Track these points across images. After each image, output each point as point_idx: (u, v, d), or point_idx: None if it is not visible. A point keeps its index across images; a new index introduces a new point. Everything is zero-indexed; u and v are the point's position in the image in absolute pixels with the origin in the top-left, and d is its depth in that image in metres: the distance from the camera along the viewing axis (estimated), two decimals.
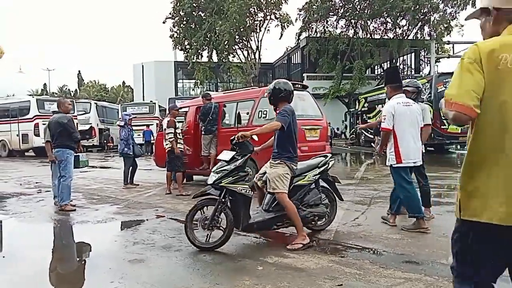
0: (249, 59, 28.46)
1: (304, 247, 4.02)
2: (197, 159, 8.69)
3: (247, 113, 8.09)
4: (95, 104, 23.51)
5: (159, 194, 7.87)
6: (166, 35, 32.06)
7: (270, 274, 3.40)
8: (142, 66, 40.42)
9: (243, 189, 4.04)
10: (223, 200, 4.02)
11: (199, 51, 27.68)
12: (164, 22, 27.97)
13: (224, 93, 10.21)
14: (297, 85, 8.44)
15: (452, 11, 25.26)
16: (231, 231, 4.02)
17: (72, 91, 70.87)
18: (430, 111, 15.39)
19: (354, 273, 3.37)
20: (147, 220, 5.64)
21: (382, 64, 31.79)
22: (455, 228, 1.82)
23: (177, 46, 28.88)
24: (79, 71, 77.23)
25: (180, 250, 4.16)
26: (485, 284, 1.74)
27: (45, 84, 62.58)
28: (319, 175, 4.48)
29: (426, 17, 25.69)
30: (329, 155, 4.83)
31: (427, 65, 29.88)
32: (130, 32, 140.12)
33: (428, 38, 26.69)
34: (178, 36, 28.13)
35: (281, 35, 27.74)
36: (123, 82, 70.09)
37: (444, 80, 15.62)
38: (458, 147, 18.39)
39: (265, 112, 7.73)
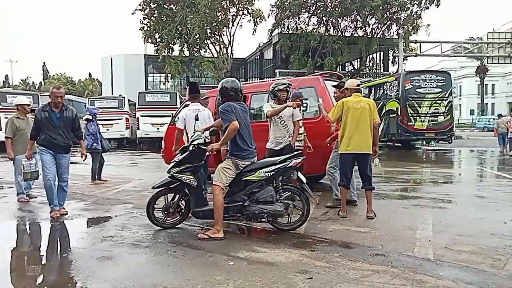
0: (221, 54, 28.25)
1: (210, 239, 4.19)
2: (218, 155, 6.90)
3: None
4: None
5: (128, 190, 7.71)
6: (136, 27, 31.45)
7: (241, 269, 3.41)
8: (111, 59, 39.37)
9: (187, 179, 4.49)
10: (178, 186, 4.61)
11: (170, 44, 27.22)
12: (133, 14, 27.31)
13: (253, 83, 9.26)
14: (333, 75, 7.93)
15: (418, 10, 26.00)
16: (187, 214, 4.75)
17: (37, 84, 68.19)
18: (397, 107, 15.99)
19: (324, 266, 3.43)
20: (115, 216, 5.52)
21: (353, 62, 32.36)
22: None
23: (147, 39, 28.29)
24: (44, 63, 74.46)
25: (150, 246, 4.11)
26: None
27: (6, 76, 59.85)
28: (273, 173, 4.35)
29: (394, 16, 26.32)
30: (297, 153, 4.75)
31: (393, 63, 30.65)
32: (98, 23, 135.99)
33: (396, 37, 27.37)
34: (148, 28, 27.54)
35: (254, 30, 27.68)
36: (90, 75, 68.01)
37: (411, 78, 16.09)
38: (424, 143, 19.03)
39: (304, 105, 7.02)
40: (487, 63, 36.05)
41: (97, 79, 62.93)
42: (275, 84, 5.74)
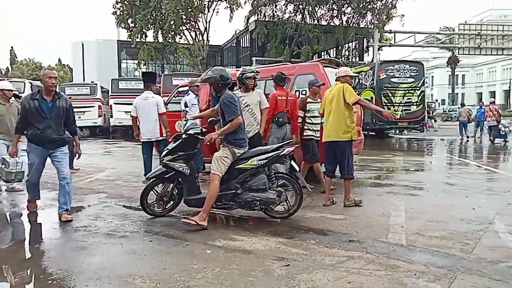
0: (197, 41, 27.82)
1: (195, 227, 4.13)
2: (212, 145, 6.71)
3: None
4: (30, 83, 21.82)
5: (101, 179, 7.55)
6: (108, 12, 30.47)
7: (218, 258, 3.41)
8: (82, 44, 38.13)
9: (180, 167, 4.48)
10: (172, 176, 4.58)
11: (143, 30, 26.55)
12: None
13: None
14: (332, 62, 7.65)
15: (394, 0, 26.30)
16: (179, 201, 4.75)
17: (3, 69, 65.40)
18: (372, 97, 16.24)
19: (300, 253, 3.47)
20: (89, 206, 5.40)
21: (329, 51, 32.53)
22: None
23: (120, 24, 27.49)
24: (12, 47, 71.24)
25: (126, 236, 4.04)
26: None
27: None
28: (265, 161, 4.37)
29: (370, 5, 26.54)
30: (288, 141, 4.88)
31: (367, 53, 31.06)
32: (68, 6, 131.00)
33: (372, 26, 27.64)
34: (121, 13, 26.77)
35: (231, 17, 27.36)
36: (59, 60, 65.66)
37: (385, 68, 16.33)
38: (397, 132, 19.45)
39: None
40: (458, 54, 37.03)
41: (67, 65, 60.87)
42: (243, 70, 5.69)
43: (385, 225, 4.34)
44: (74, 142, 5.03)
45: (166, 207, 4.78)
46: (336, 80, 5.30)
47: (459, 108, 21.45)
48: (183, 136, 4.57)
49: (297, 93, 6.93)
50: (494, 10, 55.04)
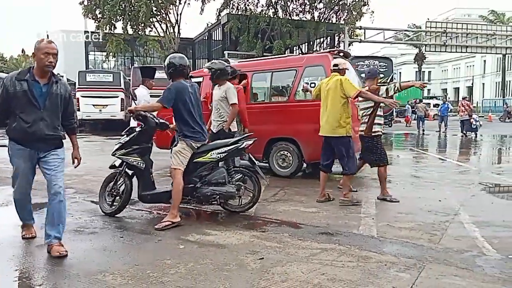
0: (168, 33, 27.33)
1: (172, 226, 4.00)
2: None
3: (280, 88, 6.88)
4: None
5: (69, 175, 7.27)
6: (75, 1, 29.34)
7: (192, 252, 3.37)
8: (47, 35, 36.68)
9: (134, 161, 4.34)
10: (122, 170, 4.42)
11: (112, 21, 25.78)
12: None
13: (254, 61, 8.50)
14: (341, 53, 7.29)
15: None
16: (127, 199, 4.44)
17: None
18: None
19: (274, 247, 3.48)
20: None
21: (301, 46, 32.75)
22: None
23: (87, 15, 26.59)
24: None
25: (95, 232, 3.94)
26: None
27: None
28: (225, 154, 4.32)
29: (341, 2, 26.86)
30: (246, 135, 4.78)
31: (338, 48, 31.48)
32: None
33: (343, 22, 28.00)
34: (89, 3, 25.90)
35: (202, 10, 27.00)
36: (23, 51, 62.86)
37: (356, 63, 16.59)
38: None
39: (312, 85, 6.51)
40: (425, 51, 38.09)
41: (31, 55, 58.37)
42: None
43: (356, 217, 4.43)
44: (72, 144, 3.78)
45: (113, 206, 4.47)
46: (333, 72, 5.04)
47: (416, 104, 22.54)
48: (137, 129, 4.42)
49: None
50: (458, 9, 56.94)
